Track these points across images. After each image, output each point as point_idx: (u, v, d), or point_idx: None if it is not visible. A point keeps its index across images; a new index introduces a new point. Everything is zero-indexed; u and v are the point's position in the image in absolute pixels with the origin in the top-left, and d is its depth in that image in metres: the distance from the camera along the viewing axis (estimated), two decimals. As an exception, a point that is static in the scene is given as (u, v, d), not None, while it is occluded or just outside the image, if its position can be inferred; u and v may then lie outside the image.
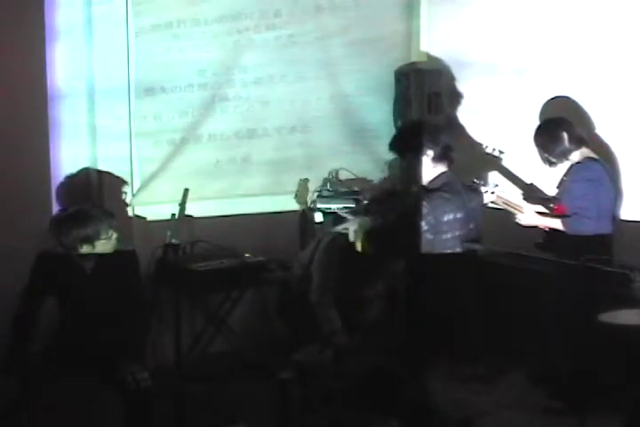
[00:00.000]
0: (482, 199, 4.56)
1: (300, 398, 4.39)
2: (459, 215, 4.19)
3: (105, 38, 5.30)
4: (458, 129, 5.65)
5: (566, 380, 4.49)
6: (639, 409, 4.07)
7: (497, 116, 5.55)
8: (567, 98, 5.16)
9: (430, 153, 4.25)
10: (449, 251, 4.30)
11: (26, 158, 5.00)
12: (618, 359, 4.09)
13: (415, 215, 4.17)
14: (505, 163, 5.37)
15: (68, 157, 5.26)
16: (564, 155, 4.73)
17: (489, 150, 5.11)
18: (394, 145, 4.61)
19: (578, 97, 5.16)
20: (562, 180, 4.80)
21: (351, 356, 4.73)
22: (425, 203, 4.19)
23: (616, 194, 4.79)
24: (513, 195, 5.12)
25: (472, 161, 5.20)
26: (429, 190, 4.27)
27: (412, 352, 4.33)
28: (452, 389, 4.42)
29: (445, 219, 4.17)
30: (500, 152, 5.09)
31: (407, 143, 4.38)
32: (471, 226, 4.24)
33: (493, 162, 5.30)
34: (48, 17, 5.12)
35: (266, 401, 4.52)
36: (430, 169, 4.29)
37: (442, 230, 4.17)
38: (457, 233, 4.21)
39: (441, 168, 4.28)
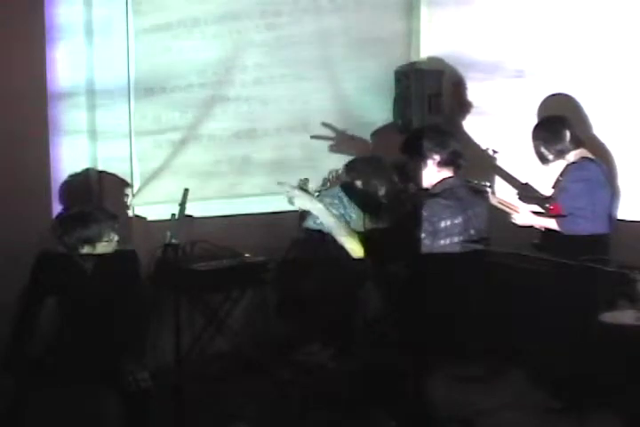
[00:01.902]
0: (487, 205, 4.56)
1: (299, 398, 4.40)
2: (456, 221, 4.19)
3: (105, 38, 5.30)
4: (456, 129, 5.65)
5: (566, 380, 4.49)
6: (639, 409, 4.07)
7: (496, 116, 5.55)
8: (567, 96, 5.16)
9: (437, 157, 4.24)
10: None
11: (26, 158, 5.00)
12: (618, 359, 4.09)
13: (413, 220, 4.16)
14: (500, 162, 5.37)
15: (68, 157, 5.27)
16: (562, 153, 4.74)
17: (483, 149, 5.12)
18: (402, 148, 4.60)
19: (578, 97, 5.16)
20: (557, 180, 4.81)
21: (351, 356, 4.73)
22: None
23: (613, 194, 4.79)
24: (508, 194, 5.13)
25: (468, 160, 5.20)
26: (430, 195, 4.26)
27: (411, 352, 4.33)
28: (452, 389, 4.42)
29: (442, 225, 4.16)
30: (494, 152, 5.09)
31: (414, 147, 4.37)
32: (472, 231, 4.23)
33: (488, 161, 5.31)
34: (48, 17, 5.12)
35: (266, 401, 4.53)
36: (434, 173, 4.28)
37: (439, 236, 4.16)
38: (455, 239, 4.20)
39: (446, 173, 4.27)
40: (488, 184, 4.75)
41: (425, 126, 5.21)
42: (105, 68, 5.31)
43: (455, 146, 4.28)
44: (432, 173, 4.27)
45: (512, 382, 4.73)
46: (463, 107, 5.76)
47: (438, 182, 4.26)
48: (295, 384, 4.54)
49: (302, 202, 4.13)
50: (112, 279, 4.21)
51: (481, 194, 4.57)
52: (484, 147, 5.13)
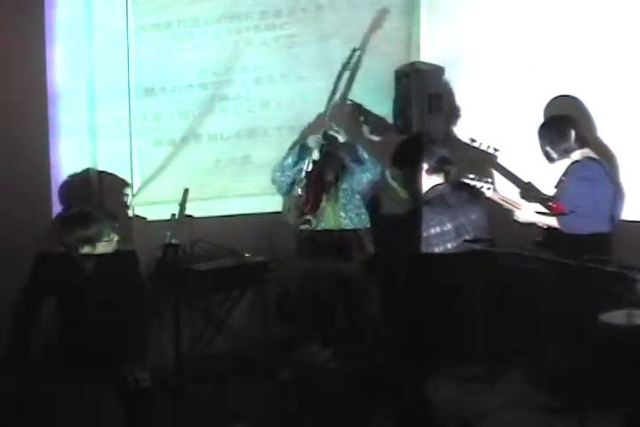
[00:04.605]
0: (484, 208, 4.56)
1: (300, 398, 4.39)
2: (446, 228, 4.22)
3: (105, 38, 5.30)
4: (453, 130, 5.66)
5: (566, 380, 4.49)
6: (639, 409, 4.07)
7: (496, 116, 5.55)
8: (574, 98, 5.17)
9: (424, 166, 4.26)
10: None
11: (26, 158, 5.01)
12: (617, 359, 4.09)
13: (408, 226, 4.19)
14: (502, 161, 5.37)
15: (68, 157, 5.27)
16: (567, 152, 4.76)
17: (484, 148, 5.12)
18: (392, 160, 4.62)
19: (581, 97, 5.17)
20: (560, 179, 4.82)
21: (351, 356, 4.73)
22: None
23: (615, 193, 4.79)
24: (511, 192, 5.13)
25: (469, 159, 5.20)
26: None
27: (412, 353, 4.33)
28: (452, 389, 4.42)
29: (432, 232, 4.19)
30: (496, 150, 5.09)
31: (403, 157, 4.40)
32: (466, 237, 4.25)
33: (490, 160, 5.31)
34: (48, 17, 5.12)
35: (266, 401, 4.52)
36: (424, 181, 4.30)
37: (432, 243, 4.19)
38: (448, 245, 4.23)
39: (435, 180, 4.29)
40: (489, 180, 4.76)
41: (410, 136, 5.24)
42: (105, 67, 5.32)
43: (442, 152, 4.30)
44: (422, 181, 4.29)
45: (512, 382, 4.73)
46: (462, 106, 5.76)
47: (429, 189, 4.28)
48: (295, 384, 4.53)
49: None
50: (112, 279, 4.20)
51: (476, 198, 4.58)
52: (484, 144, 5.13)
